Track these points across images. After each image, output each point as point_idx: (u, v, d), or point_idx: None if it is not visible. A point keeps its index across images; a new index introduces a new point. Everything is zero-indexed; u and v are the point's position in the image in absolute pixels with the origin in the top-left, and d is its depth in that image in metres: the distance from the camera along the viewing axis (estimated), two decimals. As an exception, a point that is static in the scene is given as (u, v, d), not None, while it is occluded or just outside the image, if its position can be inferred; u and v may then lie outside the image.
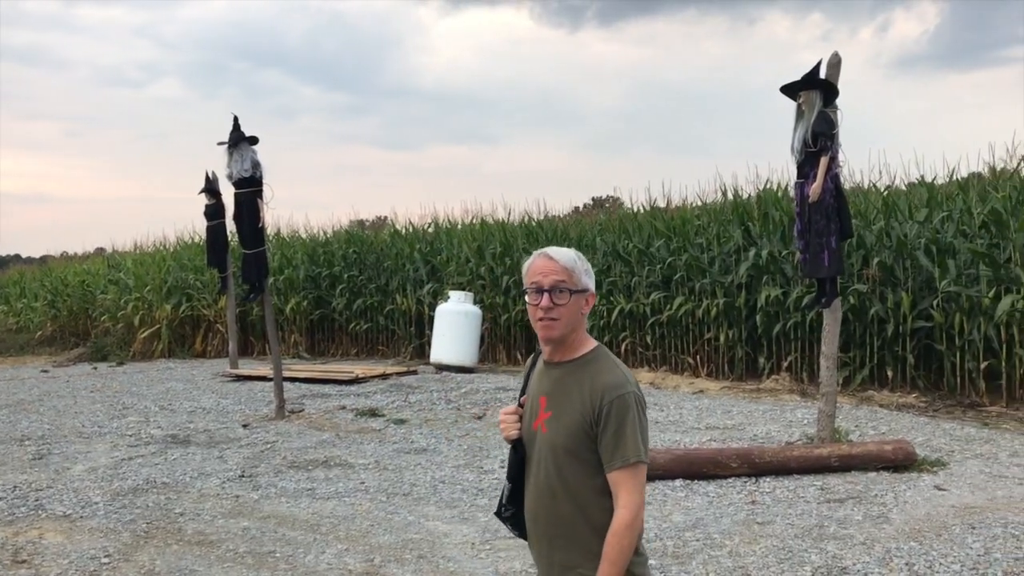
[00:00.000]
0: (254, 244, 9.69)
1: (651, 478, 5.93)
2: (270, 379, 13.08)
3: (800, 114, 7.22)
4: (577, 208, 23.30)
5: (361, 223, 22.13)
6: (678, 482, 6.58)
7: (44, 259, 29.50)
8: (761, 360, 11.88)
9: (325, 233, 18.65)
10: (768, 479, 6.65)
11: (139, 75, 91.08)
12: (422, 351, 15.64)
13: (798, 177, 7.30)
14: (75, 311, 21.71)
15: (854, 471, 6.77)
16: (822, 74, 7.13)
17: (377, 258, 16.96)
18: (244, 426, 9.31)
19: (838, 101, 7.22)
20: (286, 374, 13.20)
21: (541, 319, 2.36)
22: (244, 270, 9.95)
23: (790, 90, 7.20)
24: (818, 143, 7.02)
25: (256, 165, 9.52)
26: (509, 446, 2.51)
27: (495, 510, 2.68)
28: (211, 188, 14.32)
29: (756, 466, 6.75)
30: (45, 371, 16.29)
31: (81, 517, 6.08)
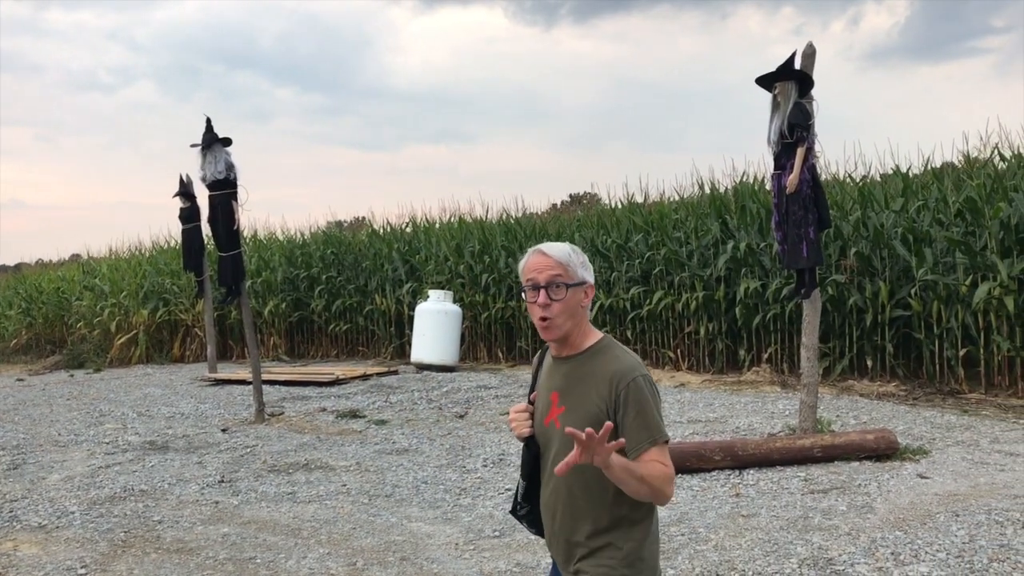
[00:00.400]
0: (230, 247, 9.59)
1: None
2: (249, 383, 12.98)
3: (776, 105, 7.21)
4: (555, 205, 23.31)
5: (339, 224, 22.03)
6: (662, 477, 6.54)
7: (18, 267, 29.15)
8: (741, 352, 11.90)
9: (302, 234, 18.53)
10: (752, 471, 6.64)
11: (112, 79, 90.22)
12: (403, 351, 15.58)
13: (775, 168, 7.30)
14: (51, 318, 21.44)
15: (837, 461, 6.77)
16: (797, 65, 7.13)
17: (355, 259, 16.86)
18: (223, 430, 9.20)
19: (813, 92, 7.22)
20: (265, 377, 13.11)
21: (540, 319, 2.35)
22: (220, 273, 9.84)
23: (765, 81, 7.19)
24: (794, 134, 7.01)
25: (230, 167, 9.42)
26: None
27: (510, 509, 2.67)
28: (186, 191, 14.18)
29: (739, 459, 6.74)
30: (20, 380, 16.07)
31: (57, 527, 5.97)
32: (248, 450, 8.18)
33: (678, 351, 12.59)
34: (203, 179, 9.46)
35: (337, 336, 16.92)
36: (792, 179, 7.01)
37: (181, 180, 14.21)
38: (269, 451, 8.10)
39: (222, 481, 7.01)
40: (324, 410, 10.25)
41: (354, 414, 9.83)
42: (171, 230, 20.68)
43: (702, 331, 12.13)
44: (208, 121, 9.45)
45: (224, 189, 9.43)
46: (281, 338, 17.56)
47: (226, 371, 14.62)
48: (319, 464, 7.47)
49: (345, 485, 6.75)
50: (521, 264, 2.42)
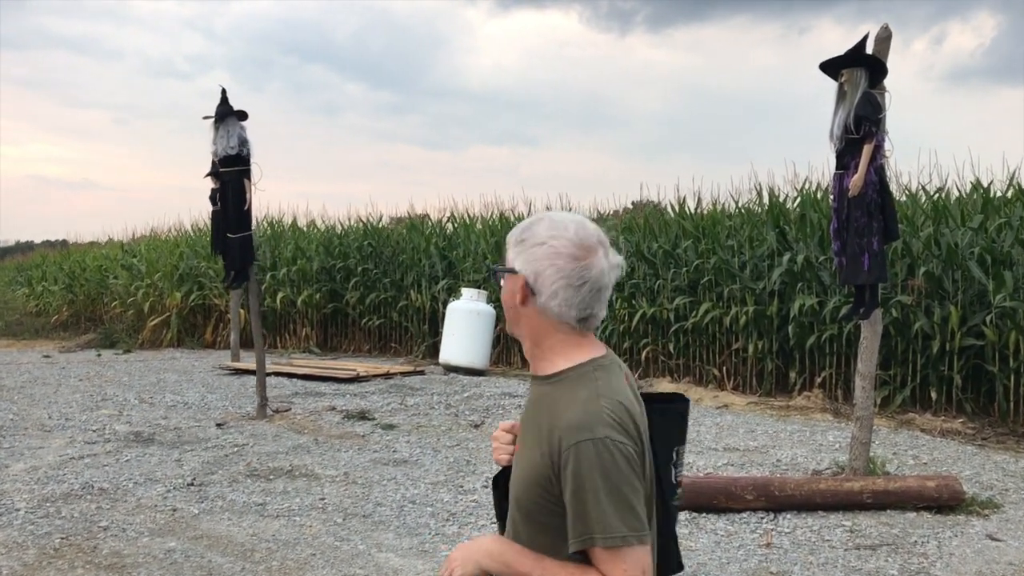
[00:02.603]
0: (239, 227, 8.95)
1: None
2: (268, 374, 12.43)
3: (841, 95, 6.27)
4: (616, 212, 22.34)
5: (400, 220, 21.31)
6: (683, 516, 5.67)
7: (64, 243, 29.20)
8: (792, 375, 10.89)
9: (341, 224, 17.91)
10: (789, 516, 5.72)
11: (187, 67, 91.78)
12: (435, 350, 14.81)
13: (837, 168, 6.36)
14: (92, 296, 21.23)
15: (890, 510, 5.82)
16: (869, 49, 6.19)
17: (393, 252, 16.18)
18: (218, 425, 8.55)
19: (886, 82, 6.28)
20: (285, 369, 12.51)
21: None
22: (228, 256, 9.20)
23: (831, 67, 6.27)
24: (861, 128, 6.07)
25: (243, 142, 8.77)
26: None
27: None
28: (217, 172, 13.62)
29: (776, 500, 5.83)
30: (47, 356, 15.72)
31: (-5, 526, 5.33)
32: (236, 449, 7.49)
33: (723, 369, 11.63)
34: (214, 154, 8.82)
35: (370, 331, 16.26)
36: (856, 180, 6.07)
37: (213, 161, 13.65)
38: (257, 452, 7.39)
39: (191, 484, 6.31)
40: (333, 409, 9.54)
41: (363, 416, 9.10)
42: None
43: (751, 349, 11.15)
44: (223, 92, 8.81)
45: (236, 166, 8.78)
46: (313, 329, 16.96)
47: (250, 360, 14.07)
48: (304, 471, 6.74)
49: (323, 499, 5.99)
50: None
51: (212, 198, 13.83)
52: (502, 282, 1.75)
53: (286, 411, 9.39)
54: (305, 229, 18.50)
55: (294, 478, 6.57)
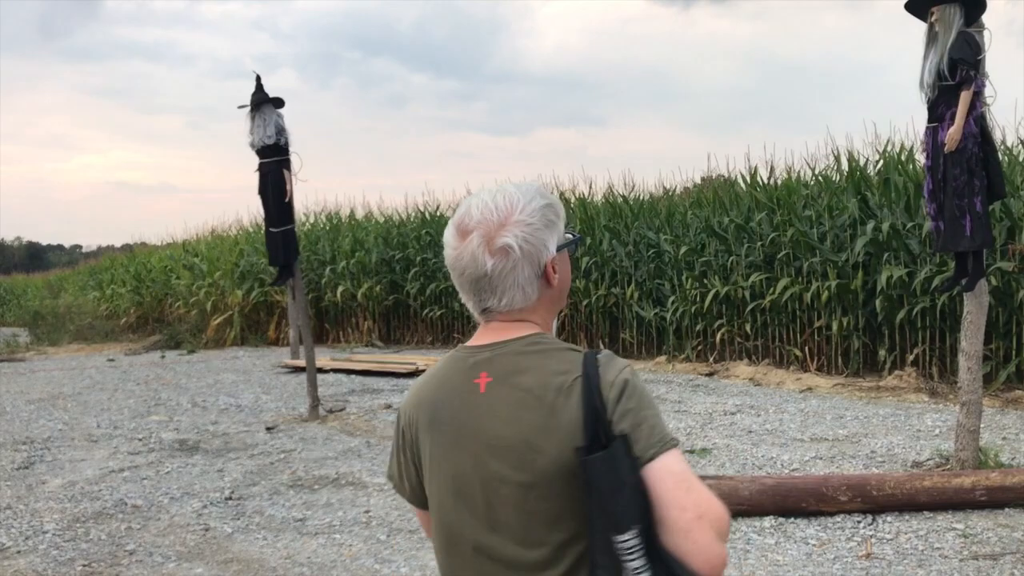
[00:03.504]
0: (281, 221, 8.49)
1: (733, 515, 4.44)
2: (326, 371, 12.05)
3: (932, 37, 5.49)
4: (687, 188, 21.48)
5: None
6: (767, 521, 5.02)
7: (129, 246, 29.47)
8: (882, 353, 10.06)
9: (399, 214, 17.46)
10: (889, 518, 5.02)
11: (256, 67, 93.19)
12: (498, 340, 14.31)
13: (929, 121, 5.58)
14: (158, 297, 21.25)
15: (1009, 508, 5.08)
16: (963, -19, 5.40)
17: (451, 239, 15.66)
18: (268, 429, 8.14)
19: (984, 18, 5.48)
20: (344, 366, 12.12)
21: None
22: (271, 251, 8.76)
23: (919, 5, 5.50)
24: (957, 73, 5.30)
25: (281, 131, 8.31)
26: None
27: None
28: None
29: (874, 500, 5.13)
30: (111, 360, 15.65)
31: (17, 552, 4.95)
32: (282, 456, 7.05)
33: (806, 349, 10.83)
34: (252, 145, 8.37)
35: (432, 322, 15.81)
36: (953, 132, 5.30)
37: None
38: (304, 458, 6.94)
39: (230, 498, 5.87)
40: (389, 407, 9.08)
41: (419, 414, 8.61)
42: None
43: (835, 326, 10.33)
44: (258, 79, 8.36)
45: (275, 156, 8.33)
46: (375, 322, 16.60)
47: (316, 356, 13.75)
48: (350, 479, 6.25)
49: (368, 511, 5.49)
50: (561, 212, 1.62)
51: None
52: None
53: (340, 411, 8.95)
54: (362, 221, 18.12)
55: (340, 487, 6.09)
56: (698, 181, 15.36)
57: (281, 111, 8.39)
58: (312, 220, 18.86)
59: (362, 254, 16.52)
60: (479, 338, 1.55)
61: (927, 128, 5.62)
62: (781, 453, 6.61)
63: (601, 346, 13.04)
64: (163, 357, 15.91)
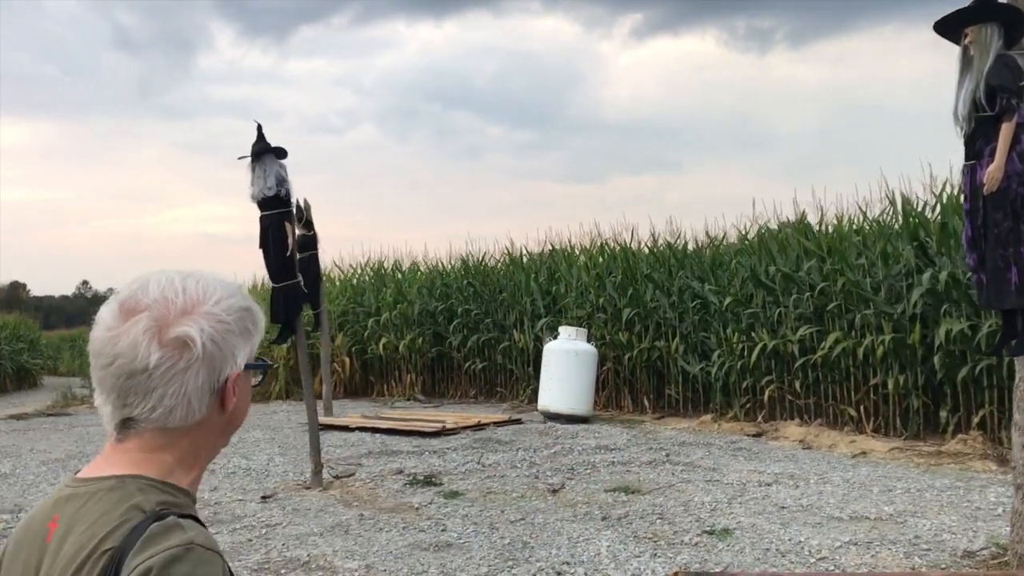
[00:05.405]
0: (281, 276, 8.08)
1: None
2: (352, 429, 11.59)
3: (967, 62, 4.78)
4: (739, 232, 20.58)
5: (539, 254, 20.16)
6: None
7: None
8: (943, 414, 9.14)
9: (442, 264, 17.05)
10: (923, 628, 4.23)
11: (339, 121, 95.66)
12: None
13: (966, 158, 4.84)
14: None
15: (1071, 618, 4.24)
16: (1001, -2, 4.70)
17: (493, 290, 15.17)
18: (264, 498, 7.64)
19: (1027, 40, 4.76)
20: (369, 424, 11.64)
21: None
22: (272, 308, 8.34)
23: (950, 26, 4.80)
24: (996, 103, 4.58)
25: (281, 181, 7.92)
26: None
27: None
28: (302, 217, 13.03)
29: (904, 604, 4.35)
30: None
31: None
32: (264, 532, 6.52)
33: (861, 408, 9.94)
34: (252, 196, 8.00)
35: (475, 375, 15.27)
36: (993, 171, 4.56)
37: (298, 205, 13.06)
38: (286, 535, 6.40)
39: (184, 583, 5.35)
40: (400, 472, 8.51)
41: (429, 480, 8.03)
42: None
43: (890, 384, 9.45)
44: (259, 128, 8.01)
45: (275, 208, 7.94)
46: (418, 375, 16.12)
47: (350, 412, 13.34)
48: (322, 563, 5.67)
49: (326, 604, 4.90)
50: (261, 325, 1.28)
51: (299, 245, 13.32)
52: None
53: (348, 476, 8.42)
54: (406, 271, 17.77)
55: (308, 572, 5.51)
56: (773, 228, 14.40)
57: (283, 162, 8.02)
58: (359, 273, 18.59)
59: (404, 305, 16.12)
60: (93, 465, 1.22)
61: (964, 167, 4.88)
62: (812, 536, 5.82)
63: (646, 403, 12.33)
64: (205, 411, 15.70)
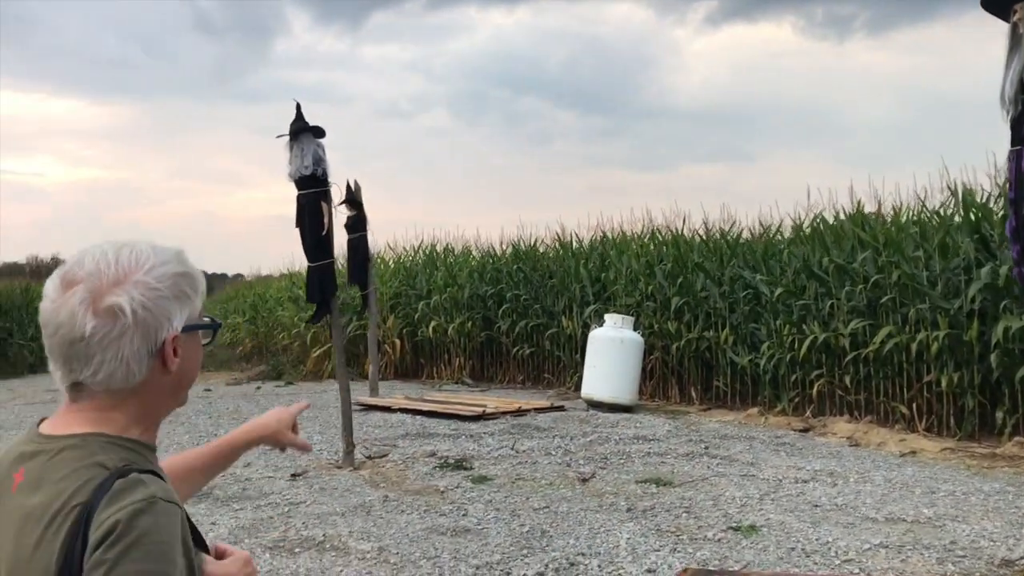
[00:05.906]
0: (318, 256, 8.06)
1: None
2: (395, 410, 11.59)
3: (1016, 41, 4.47)
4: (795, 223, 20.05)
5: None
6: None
7: (237, 276, 30.24)
8: (1000, 414, 8.74)
9: (494, 249, 16.96)
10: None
11: (410, 107, 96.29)
12: (585, 382, 13.53)
13: (1012, 143, 4.54)
14: (271, 327, 21.54)
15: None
16: (1053, -29, 4.38)
17: (543, 276, 15.03)
18: (293, 476, 7.67)
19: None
20: (411, 406, 11.63)
21: None
22: (308, 287, 8.34)
23: (999, 4, 4.50)
24: (1046, 84, 4.28)
25: (319, 160, 7.89)
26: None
27: None
28: (352, 199, 13.05)
29: (925, 613, 4.12)
30: (208, 390, 15.74)
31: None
32: (287, 510, 6.53)
33: (913, 406, 9.57)
34: (290, 175, 7.99)
35: (522, 360, 15.17)
36: (1038, 157, 4.28)
37: (348, 187, 13.10)
38: (307, 513, 6.40)
39: (197, 558, 5.37)
40: (434, 455, 8.47)
41: (460, 464, 7.97)
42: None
43: (944, 382, 9.07)
44: (298, 107, 8.00)
45: (312, 187, 7.92)
46: (467, 359, 16.09)
47: (398, 393, 13.37)
48: (336, 543, 5.64)
49: (332, 585, 4.86)
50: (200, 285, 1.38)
51: (347, 226, 13.36)
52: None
53: (381, 457, 8.42)
54: (457, 255, 17.74)
55: (322, 552, 5.49)
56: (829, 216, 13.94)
57: (321, 140, 8.00)
58: (413, 256, 18.62)
59: (455, 289, 16.09)
60: (52, 422, 1.34)
61: (1010, 152, 4.58)
62: (841, 537, 5.58)
63: (693, 394, 12.09)
64: (259, 389, 15.92)
